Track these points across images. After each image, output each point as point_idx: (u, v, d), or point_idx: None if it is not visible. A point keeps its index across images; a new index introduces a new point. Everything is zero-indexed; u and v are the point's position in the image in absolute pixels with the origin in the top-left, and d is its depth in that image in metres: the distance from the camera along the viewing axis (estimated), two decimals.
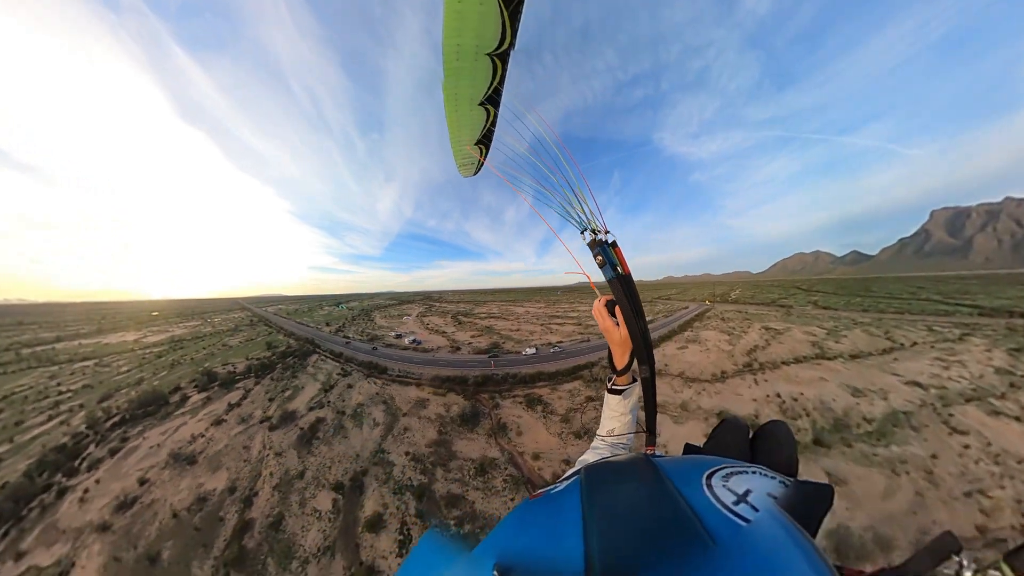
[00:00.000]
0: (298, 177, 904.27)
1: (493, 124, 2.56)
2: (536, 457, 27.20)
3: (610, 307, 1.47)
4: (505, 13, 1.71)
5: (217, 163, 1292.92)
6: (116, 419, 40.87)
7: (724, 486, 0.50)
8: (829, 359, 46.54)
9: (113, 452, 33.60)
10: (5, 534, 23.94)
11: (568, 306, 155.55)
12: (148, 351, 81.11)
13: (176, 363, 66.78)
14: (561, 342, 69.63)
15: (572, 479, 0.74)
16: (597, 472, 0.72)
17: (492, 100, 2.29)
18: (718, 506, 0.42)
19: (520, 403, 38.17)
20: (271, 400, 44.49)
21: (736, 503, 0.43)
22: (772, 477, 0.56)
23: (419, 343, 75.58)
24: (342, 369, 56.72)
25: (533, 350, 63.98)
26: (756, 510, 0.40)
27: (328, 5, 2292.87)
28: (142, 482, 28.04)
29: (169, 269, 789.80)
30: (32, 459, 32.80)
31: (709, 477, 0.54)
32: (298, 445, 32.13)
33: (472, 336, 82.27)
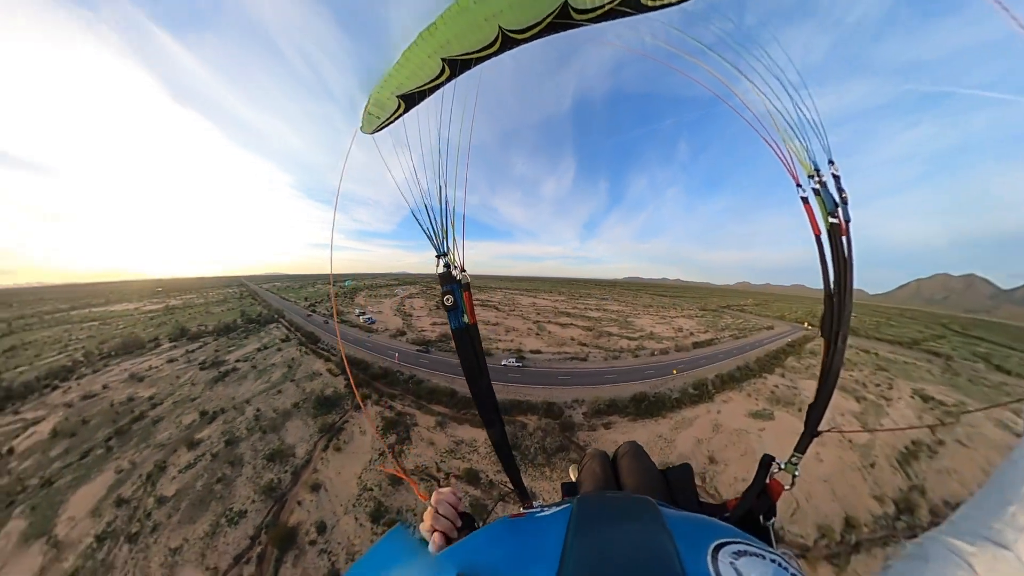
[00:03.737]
0: (301, 149, 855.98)
1: (436, 88, 2.19)
2: (313, 488, 24.12)
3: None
4: None
5: (216, 142, 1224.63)
6: (104, 355, 57.04)
7: (732, 565, 0.43)
8: None
9: (95, 371, 49.38)
10: (19, 403, 39.67)
11: (596, 303, 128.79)
12: (144, 316, 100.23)
13: (162, 323, 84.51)
14: (537, 352, 51.71)
15: (563, 506, 0.69)
16: (593, 506, 0.66)
17: (453, 64, 2.02)
18: None
19: (389, 414, 33.12)
20: (216, 352, 59.43)
21: None
22: (792, 573, 0.48)
23: (372, 322, 75.57)
24: (286, 336, 71.19)
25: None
26: None
27: None
28: (104, 387, 43.33)
29: (175, 250, 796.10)
30: (42, 372, 48.98)
31: (718, 548, 0.47)
32: (208, 383, 46.20)
33: (434, 324, 75.23)
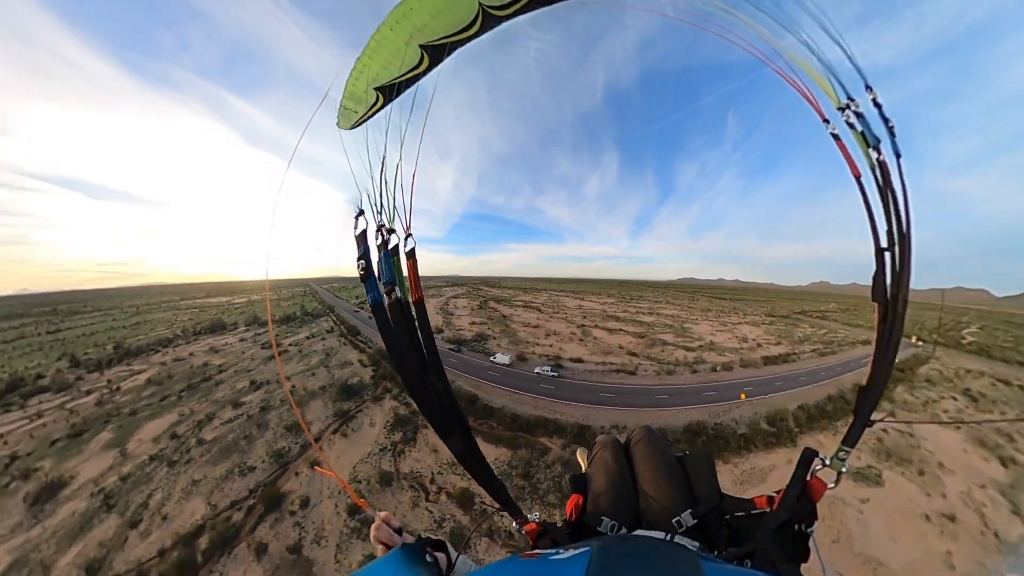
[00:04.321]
0: (349, 169, 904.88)
1: (416, 79, 2.05)
2: (312, 465, 25.44)
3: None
4: None
5: (282, 171, 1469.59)
6: (197, 332, 70.70)
7: None
8: None
9: (187, 343, 61.75)
10: (132, 359, 51.31)
11: (648, 305, 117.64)
12: (231, 307, 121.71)
13: (242, 313, 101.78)
14: (577, 361, 45.03)
15: (582, 550, 0.60)
16: (616, 553, 0.57)
17: (432, 51, 1.86)
18: None
19: (404, 411, 32.58)
20: (280, 336, 69.89)
21: None
22: None
23: None
24: (331, 328, 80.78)
25: (507, 359, 44.13)
26: None
27: (326, 4, 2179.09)
28: (191, 354, 54.35)
29: (258, 257, 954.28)
30: (152, 340, 62.57)
31: None
32: (263, 360, 54.81)
33: (473, 323, 73.98)
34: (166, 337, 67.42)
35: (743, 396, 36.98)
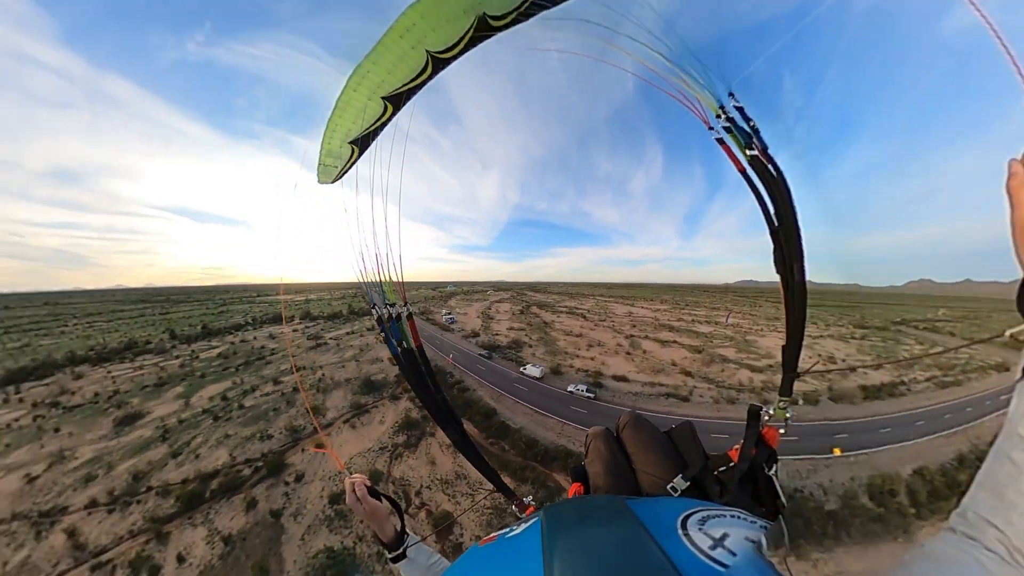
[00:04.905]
0: (395, 184, 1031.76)
1: (383, 126, 2.28)
2: (317, 446, 27.33)
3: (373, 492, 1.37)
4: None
5: (338, 192, 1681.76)
6: (261, 321, 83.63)
7: (700, 530, 0.48)
8: None
9: (254, 329, 73.66)
10: (212, 338, 63.09)
11: (706, 313, 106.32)
12: (292, 303, 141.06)
13: (299, 308, 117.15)
14: (621, 379, 39.57)
15: (531, 521, 0.67)
16: (561, 515, 0.64)
17: (396, 98, 2.10)
18: (694, 551, 0.42)
19: (416, 415, 32.25)
20: (321, 330, 79.68)
21: (713, 548, 0.42)
22: (752, 521, 0.54)
23: (452, 321, 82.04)
24: (371, 326, 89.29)
25: (538, 372, 40.25)
26: (734, 555, 0.40)
27: (355, 52, 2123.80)
28: (254, 337, 65.19)
29: (319, 262, 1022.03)
30: (229, 325, 75.54)
31: (685, 521, 0.51)
32: (307, 349, 63.10)
33: (511, 329, 72.26)
34: (240, 323, 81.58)
35: (837, 452, 26.67)
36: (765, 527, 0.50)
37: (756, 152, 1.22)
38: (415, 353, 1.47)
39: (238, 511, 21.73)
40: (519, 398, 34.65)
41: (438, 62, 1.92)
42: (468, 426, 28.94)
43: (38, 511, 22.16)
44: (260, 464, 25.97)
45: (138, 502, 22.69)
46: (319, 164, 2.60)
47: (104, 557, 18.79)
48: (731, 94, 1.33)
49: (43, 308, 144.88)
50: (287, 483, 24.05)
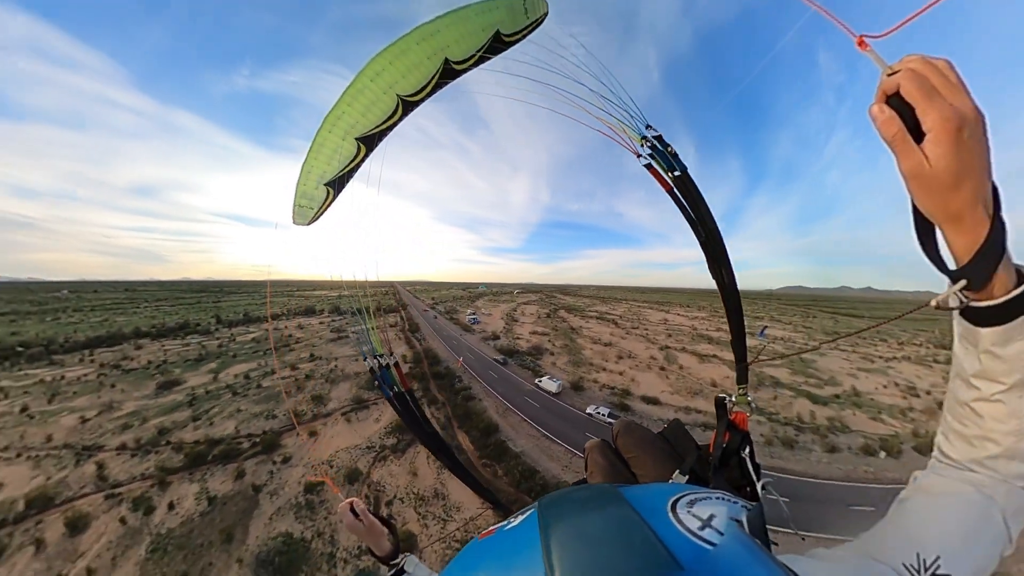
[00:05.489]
0: (429, 190, 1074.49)
1: (357, 167, 2.32)
2: (310, 434, 30.68)
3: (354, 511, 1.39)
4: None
5: (370, 198, 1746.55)
6: (294, 313, 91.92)
7: (689, 512, 0.50)
8: None
9: (286, 319, 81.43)
10: (250, 325, 71.11)
11: (748, 321, 65.05)
12: (323, 298, 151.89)
13: (329, 302, 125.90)
14: (652, 402, 34.23)
15: (527, 513, 0.68)
16: (555, 503, 0.65)
17: (369, 139, 2.14)
18: (683, 532, 0.44)
19: (398, 420, 27.34)
20: (345, 323, 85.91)
21: (701, 528, 0.44)
22: (735, 502, 0.56)
23: (476, 322, 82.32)
24: (395, 322, 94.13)
25: (555, 386, 35.13)
26: (721, 534, 0.42)
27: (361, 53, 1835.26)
28: (285, 326, 72.28)
29: (357, 265, 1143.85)
30: (274, 312, 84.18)
31: (674, 504, 0.53)
32: (327, 340, 68.49)
33: (534, 333, 70.01)
34: (276, 313, 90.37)
35: None
36: (746, 507, 0.53)
37: (679, 173, 1.40)
38: (406, 395, 1.66)
39: (228, 478, 23.92)
40: (527, 415, 30.47)
41: (408, 104, 2.07)
42: (464, 440, 27.36)
43: (82, 445, 27.18)
44: (258, 440, 28.05)
45: (156, 452, 26.82)
46: (294, 206, 2.63)
47: (117, 490, 22.64)
48: (648, 126, 1.50)
49: (123, 294, 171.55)
50: (274, 462, 25.60)
